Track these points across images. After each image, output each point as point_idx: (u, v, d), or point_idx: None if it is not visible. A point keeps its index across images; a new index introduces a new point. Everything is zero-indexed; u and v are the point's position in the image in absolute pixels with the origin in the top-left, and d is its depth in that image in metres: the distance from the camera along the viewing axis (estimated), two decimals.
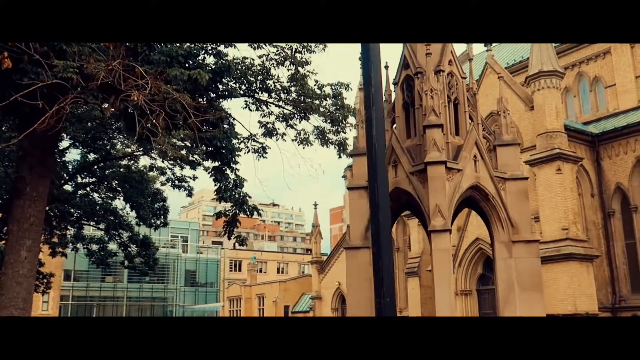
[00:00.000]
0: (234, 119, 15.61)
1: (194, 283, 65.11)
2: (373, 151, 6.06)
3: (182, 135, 24.63)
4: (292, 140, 18.18)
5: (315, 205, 46.80)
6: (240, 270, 74.69)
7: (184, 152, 27.67)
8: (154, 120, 13.14)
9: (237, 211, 15.42)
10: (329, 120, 17.30)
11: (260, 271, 68.40)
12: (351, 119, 17.45)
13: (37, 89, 11.18)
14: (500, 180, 11.84)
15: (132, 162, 28.96)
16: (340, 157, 17.90)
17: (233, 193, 15.31)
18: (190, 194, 28.04)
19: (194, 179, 27.82)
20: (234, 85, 16.48)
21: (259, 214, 15.66)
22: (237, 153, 15.56)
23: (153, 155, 27.05)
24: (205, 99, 15.05)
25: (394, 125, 12.79)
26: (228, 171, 15.48)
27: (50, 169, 15.30)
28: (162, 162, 27.33)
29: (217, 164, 15.93)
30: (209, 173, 15.45)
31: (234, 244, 16.12)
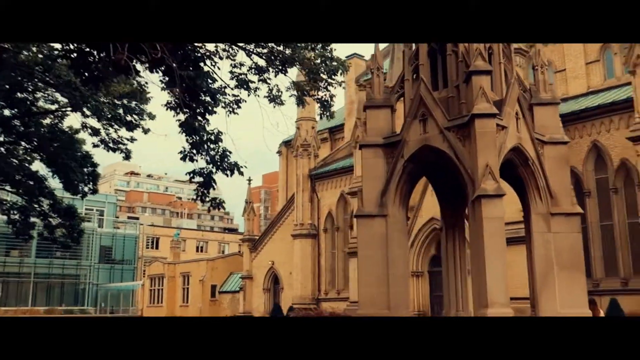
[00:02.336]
0: (215, 63, 13.20)
1: (110, 260, 60.90)
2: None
3: (135, 85, 21.66)
4: (265, 97, 15.99)
5: (250, 180, 44.43)
6: (158, 247, 70.95)
7: (121, 111, 24.70)
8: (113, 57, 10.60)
9: (214, 170, 13.11)
10: (312, 75, 15.22)
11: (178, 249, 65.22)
12: (338, 77, 15.47)
13: None
14: (539, 143, 10.31)
15: (58, 119, 25.57)
16: (323, 117, 15.87)
17: (210, 148, 12.99)
18: (127, 157, 25.05)
19: (131, 141, 24.92)
20: None
21: (241, 173, 13.42)
22: (219, 97, 13.21)
23: (87, 112, 23.90)
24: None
25: (414, 75, 10.95)
26: (204, 123, 13.10)
27: None
28: (98, 121, 24.25)
29: (184, 117, 13.48)
30: (180, 126, 12.98)
31: (209, 207, 13.78)
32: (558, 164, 10.40)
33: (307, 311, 28.39)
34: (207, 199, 13.61)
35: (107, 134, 24.30)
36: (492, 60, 10.69)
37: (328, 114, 15.06)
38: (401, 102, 10.99)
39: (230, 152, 13.27)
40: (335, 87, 15.56)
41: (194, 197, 13.76)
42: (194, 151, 14.04)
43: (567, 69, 32.93)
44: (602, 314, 15.35)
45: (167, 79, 13.42)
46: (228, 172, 13.20)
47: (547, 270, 9.95)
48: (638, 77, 24.33)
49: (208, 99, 13.04)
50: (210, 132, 13.17)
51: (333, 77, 14.81)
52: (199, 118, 12.84)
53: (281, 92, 15.92)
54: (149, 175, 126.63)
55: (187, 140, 13.06)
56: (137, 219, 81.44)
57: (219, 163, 13.10)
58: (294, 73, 19.46)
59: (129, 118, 24.33)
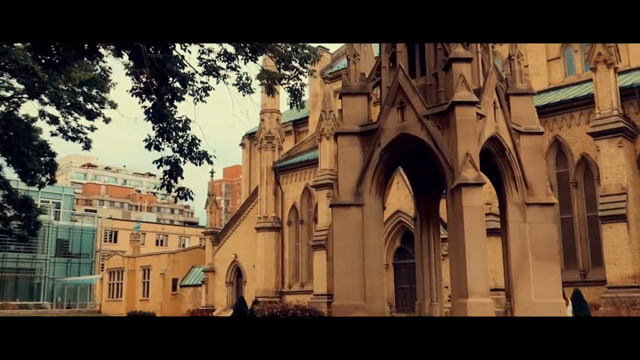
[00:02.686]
0: (185, 47, 12.74)
1: (67, 253, 59.24)
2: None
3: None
4: (234, 84, 15.60)
5: (212, 173, 43.82)
6: (116, 241, 69.41)
7: (81, 99, 23.86)
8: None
9: (182, 158, 12.67)
10: (283, 63, 14.90)
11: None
12: (310, 65, 15.19)
13: None
14: (515, 133, 10.27)
15: (13, 107, 24.54)
16: (292, 107, 15.55)
17: (179, 135, 12.55)
18: (88, 147, 24.25)
19: (92, 130, 24.11)
20: None
21: (210, 162, 13.00)
22: (189, 83, 12.76)
23: (45, 99, 23.01)
24: None
25: (390, 63, 10.77)
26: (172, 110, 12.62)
27: None
28: (57, 109, 23.38)
29: (152, 103, 12.98)
30: (146, 112, 12.47)
31: (175, 198, 13.29)
32: (533, 154, 10.39)
33: (271, 304, 28.10)
34: (174, 189, 13.15)
35: (66, 122, 23.48)
36: (469, 49, 10.59)
37: (298, 103, 14.77)
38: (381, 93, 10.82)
39: (199, 141, 12.87)
40: (306, 76, 15.27)
41: (159, 186, 13.28)
42: (160, 139, 13.58)
43: (529, 66, 33.31)
44: (569, 303, 15.58)
45: (132, 64, 12.93)
46: (197, 161, 12.79)
47: (522, 260, 9.93)
48: (599, 74, 24.81)
49: (177, 84, 12.60)
50: (178, 119, 12.73)
51: (305, 65, 14.53)
52: (167, 104, 12.39)
53: (250, 80, 15.57)
54: (106, 168, 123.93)
55: (153, 127, 12.58)
56: (95, 211, 79.51)
57: (187, 151, 12.67)
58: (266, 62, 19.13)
59: (89, 106, 23.53)
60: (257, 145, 41.61)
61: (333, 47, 59.85)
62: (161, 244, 73.31)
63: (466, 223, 8.58)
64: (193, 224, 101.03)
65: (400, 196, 27.84)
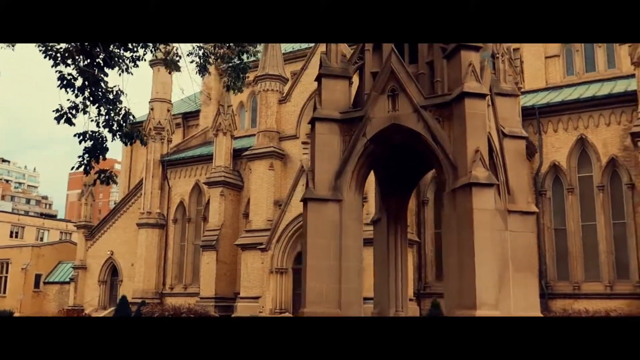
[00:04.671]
0: None
1: None
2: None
3: None
4: (161, 59, 13.79)
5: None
6: None
7: None
8: None
9: (110, 136, 10.68)
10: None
11: None
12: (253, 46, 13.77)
13: None
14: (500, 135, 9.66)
15: None
16: (229, 89, 13.92)
17: (109, 108, 10.58)
18: None
19: None
20: None
21: (143, 143, 11.14)
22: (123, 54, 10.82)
23: None
24: None
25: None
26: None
27: None
28: None
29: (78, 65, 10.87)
30: (60, 78, 10.32)
31: (94, 181, 11.25)
32: (516, 159, 9.85)
33: (162, 306, 25.90)
34: (94, 172, 11.13)
35: None
36: None
37: (240, 84, 13.27)
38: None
39: (133, 117, 10.97)
40: (250, 57, 13.81)
41: (76, 167, 11.18)
42: (74, 112, 11.49)
43: (524, 63, 31.94)
44: None
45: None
46: (128, 140, 10.88)
47: (503, 270, 9.31)
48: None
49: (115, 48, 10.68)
50: (109, 89, 10.75)
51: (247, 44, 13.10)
52: (97, 70, 10.38)
53: (180, 56, 13.86)
54: None
55: (77, 95, 10.48)
56: None
57: (117, 128, 10.72)
58: None
59: None
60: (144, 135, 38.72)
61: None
62: (16, 236, 66.57)
63: (476, 227, 7.75)
64: (51, 217, 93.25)
65: None
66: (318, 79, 9.52)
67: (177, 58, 13.77)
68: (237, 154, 33.85)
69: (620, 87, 26.87)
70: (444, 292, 8.73)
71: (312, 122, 9.30)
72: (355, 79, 10.09)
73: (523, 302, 9.40)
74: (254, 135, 36.34)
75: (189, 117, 43.55)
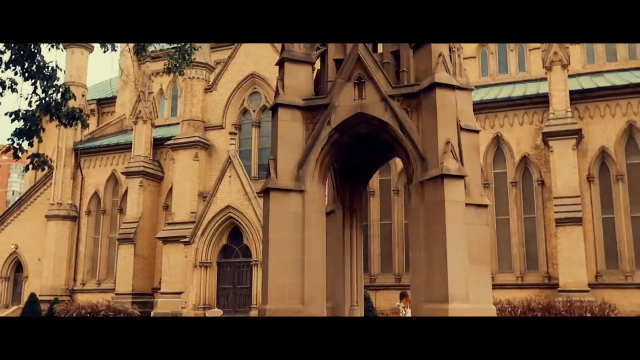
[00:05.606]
0: None
1: None
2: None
3: None
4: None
5: None
6: None
7: None
8: None
9: (46, 116, 9.74)
10: None
11: None
12: None
13: None
14: None
15: None
16: (170, 71, 13.11)
17: (46, 85, 9.62)
18: None
19: None
20: None
21: (85, 125, 10.25)
22: None
23: None
24: None
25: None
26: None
27: None
28: None
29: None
30: None
31: (26, 167, 10.22)
32: (471, 152, 9.80)
33: (78, 305, 24.40)
34: (26, 156, 10.14)
35: None
36: None
37: (186, 65, 12.56)
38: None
39: (73, 95, 10.07)
40: None
41: (4, 150, 10.14)
42: (0, 89, 10.42)
43: None
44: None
45: None
46: (67, 121, 9.98)
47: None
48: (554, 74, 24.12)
49: None
50: (46, 64, 9.79)
51: None
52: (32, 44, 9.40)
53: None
54: None
55: (5, 69, 9.43)
56: None
57: (54, 107, 9.80)
58: None
59: None
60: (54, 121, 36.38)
61: None
62: None
63: (448, 219, 7.63)
64: None
65: (232, 190, 26.24)
66: (280, 63, 9.08)
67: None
68: (158, 144, 32.55)
69: (531, 89, 28.00)
70: (410, 286, 8.58)
71: (274, 108, 8.85)
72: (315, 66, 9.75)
73: (476, 294, 9.40)
74: (175, 124, 35.21)
75: (104, 103, 41.42)
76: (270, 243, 8.44)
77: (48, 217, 34.15)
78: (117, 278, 31.22)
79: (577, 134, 22.86)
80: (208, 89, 29.78)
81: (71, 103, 34.11)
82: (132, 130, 33.70)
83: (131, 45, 38.28)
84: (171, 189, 30.95)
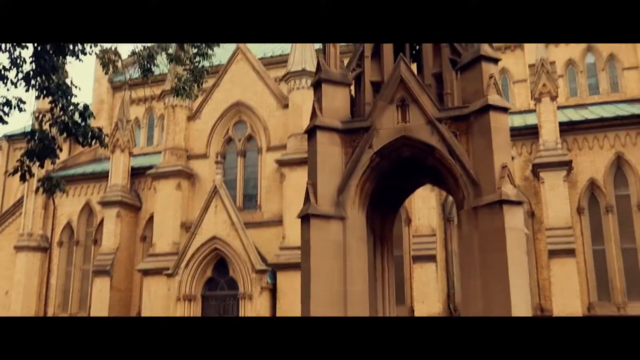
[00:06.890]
0: None
1: None
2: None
3: None
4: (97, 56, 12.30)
5: None
6: None
7: None
8: None
9: (65, 134, 9.09)
10: None
11: None
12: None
13: None
14: None
15: None
16: (178, 94, 12.54)
17: (65, 103, 9.01)
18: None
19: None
20: None
21: (104, 145, 9.62)
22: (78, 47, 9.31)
23: None
24: None
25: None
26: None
27: None
28: None
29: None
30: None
31: (37, 187, 9.53)
32: None
33: None
34: (35, 178, 9.43)
35: None
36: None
37: (198, 89, 12.05)
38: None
39: (91, 113, 9.46)
40: (206, 59, 12.63)
41: (12, 172, 9.42)
42: (7, 108, 9.78)
43: None
44: None
45: None
46: (87, 141, 9.34)
47: None
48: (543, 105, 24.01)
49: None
50: (64, 79, 9.18)
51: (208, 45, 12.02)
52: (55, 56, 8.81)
53: (119, 57, 12.53)
54: None
55: (32, 87, 8.78)
56: None
57: (72, 127, 9.16)
58: None
59: None
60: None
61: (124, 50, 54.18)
62: None
63: (510, 247, 7.25)
64: None
65: (218, 221, 25.51)
66: (316, 84, 8.70)
67: (115, 58, 12.38)
68: (135, 173, 31.63)
69: (518, 121, 28.25)
70: (462, 315, 8.13)
71: (312, 131, 8.43)
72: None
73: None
74: (152, 153, 34.39)
75: None
76: (312, 272, 7.93)
77: (17, 248, 32.70)
78: (91, 312, 29.86)
79: (568, 165, 23.01)
80: (191, 117, 29.16)
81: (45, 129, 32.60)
82: (106, 158, 32.77)
83: (107, 73, 37.31)
84: (150, 219, 30.01)
